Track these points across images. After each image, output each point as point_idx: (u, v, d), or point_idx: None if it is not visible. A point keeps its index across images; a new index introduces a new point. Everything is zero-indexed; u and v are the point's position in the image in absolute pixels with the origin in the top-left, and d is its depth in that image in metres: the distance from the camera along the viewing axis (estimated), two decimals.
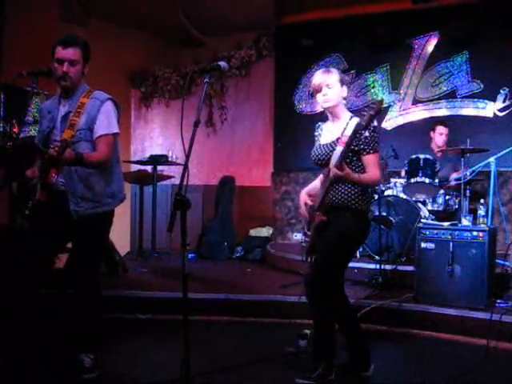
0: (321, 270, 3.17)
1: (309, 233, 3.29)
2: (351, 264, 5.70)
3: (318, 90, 3.21)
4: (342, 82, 3.23)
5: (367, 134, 3.07)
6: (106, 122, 3.20)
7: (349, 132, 3.03)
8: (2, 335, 3.25)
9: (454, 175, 5.97)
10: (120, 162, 3.42)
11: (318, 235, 3.22)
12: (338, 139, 3.13)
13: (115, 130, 3.24)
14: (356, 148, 3.12)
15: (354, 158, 3.17)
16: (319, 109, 6.82)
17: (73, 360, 3.29)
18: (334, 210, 3.20)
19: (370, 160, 3.16)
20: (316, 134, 3.42)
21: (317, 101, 3.29)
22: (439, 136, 6.31)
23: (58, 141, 3.10)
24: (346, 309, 3.37)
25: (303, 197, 3.35)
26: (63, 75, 3.14)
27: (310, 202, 3.29)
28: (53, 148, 2.91)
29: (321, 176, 3.34)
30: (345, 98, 3.27)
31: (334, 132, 3.23)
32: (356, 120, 3.03)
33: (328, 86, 3.18)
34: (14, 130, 5.45)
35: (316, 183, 3.42)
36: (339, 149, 3.05)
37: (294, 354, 3.68)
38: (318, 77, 3.23)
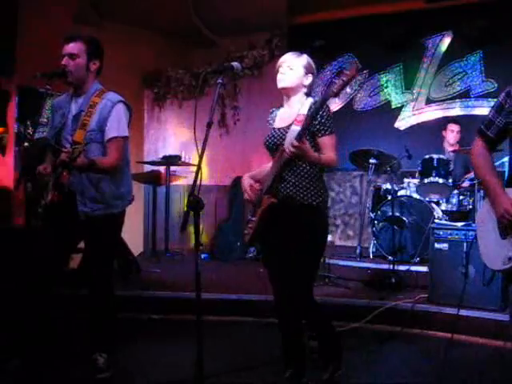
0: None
1: (253, 219, 2.99)
2: (364, 264, 5.77)
3: (278, 68, 3.04)
4: (308, 70, 2.99)
5: (323, 113, 2.87)
6: (116, 124, 3.19)
7: (304, 110, 2.89)
8: (17, 335, 3.29)
9: (467, 176, 5.94)
10: (129, 164, 3.42)
11: (264, 222, 2.94)
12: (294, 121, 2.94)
13: (124, 133, 3.23)
14: (311, 129, 2.87)
15: (310, 141, 2.87)
16: (333, 108, 6.82)
17: (87, 360, 3.30)
18: (288, 204, 2.92)
19: (327, 142, 2.90)
20: (269, 119, 3.21)
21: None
22: (451, 133, 6.30)
23: (70, 141, 3.12)
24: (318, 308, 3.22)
25: (247, 181, 3.09)
26: (62, 69, 3.14)
27: (257, 186, 3.03)
28: (65, 152, 2.92)
29: (269, 164, 3.14)
30: (309, 90, 3.04)
31: (290, 116, 2.99)
32: (311, 100, 2.94)
33: (289, 66, 3.00)
34: (29, 131, 5.49)
35: (262, 169, 3.22)
36: (295, 128, 2.84)
37: None
38: (284, 56, 3.05)
